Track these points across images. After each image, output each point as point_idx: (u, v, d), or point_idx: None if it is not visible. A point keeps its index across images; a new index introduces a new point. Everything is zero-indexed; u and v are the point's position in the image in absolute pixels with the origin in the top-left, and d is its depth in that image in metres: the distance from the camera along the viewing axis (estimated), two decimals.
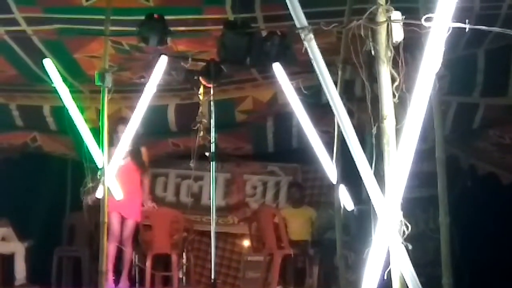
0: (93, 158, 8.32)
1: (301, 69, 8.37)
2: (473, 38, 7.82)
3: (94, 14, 7.80)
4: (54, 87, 8.61)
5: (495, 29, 6.36)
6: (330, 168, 7.95)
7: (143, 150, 9.10)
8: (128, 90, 9.80)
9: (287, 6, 5.52)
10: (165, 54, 8.23)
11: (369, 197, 5.42)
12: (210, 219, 7.82)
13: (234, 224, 12.16)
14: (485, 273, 9.52)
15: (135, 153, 9.10)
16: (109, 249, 8.69)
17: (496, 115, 9.96)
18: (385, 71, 5.20)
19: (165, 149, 11.82)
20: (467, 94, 9.56)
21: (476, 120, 10.02)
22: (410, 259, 5.15)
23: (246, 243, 11.65)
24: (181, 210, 11.25)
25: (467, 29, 5.07)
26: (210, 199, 8.08)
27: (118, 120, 9.28)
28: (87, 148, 8.41)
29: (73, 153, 10.73)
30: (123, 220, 9.10)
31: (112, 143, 8.27)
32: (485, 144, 10.50)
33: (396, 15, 5.25)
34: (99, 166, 7.74)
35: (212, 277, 7.63)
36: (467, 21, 5.06)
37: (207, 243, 11.19)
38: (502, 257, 9.70)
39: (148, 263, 10.06)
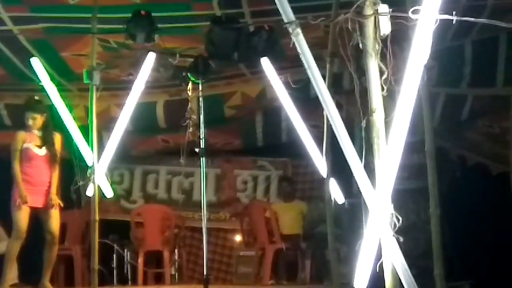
0: (82, 156, 8.31)
1: (289, 63, 8.37)
2: (460, 30, 7.83)
3: (81, 13, 7.78)
4: (42, 86, 8.60)
5: (482, 20, 6.36)
6: (320, 162, 7.96)
7: (56, 137, 8.57)
8: (116, 88, 9.79)
9: (274, 1, 5.53)
10: (153, 51, 8.22)
11: (359, 190, 5.43)
12: (201, 215, 7.81)
13: (225, 219, 12.16)
14: (476, 263, 9.54)
15: (48, 141, 8.54)
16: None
17: (485, 106, 9.99)
18: (373, 64, 5.21)
19: (155, 146, 11.81)
20: (455, 86, 9.58)
21: (464, 111, 10.04)
22: (402, 251, 5.17)
23: (238, 238, 11.66)
24: (172, 207, 11.26)
25: (454, 21, 5.08)
26: (201, 195, 8.06)
27: None
28: (76, 146, 8.39)
29: (62, 152, 10.68)
30: (43, 212, 8.59)
31: (101, 140, 8.24)
32: (474, 135, 10.53)
33: (383, 8, 5.26)
34: (89, 164, 7.73)
35: (205, 272, 7.62)
36: (454, 12, 5.07)
37: (199, 239, 11.17)
38: (493, 247, 9.74)
39: (140, 260, 10.07)
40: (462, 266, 9.24)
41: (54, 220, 8.44)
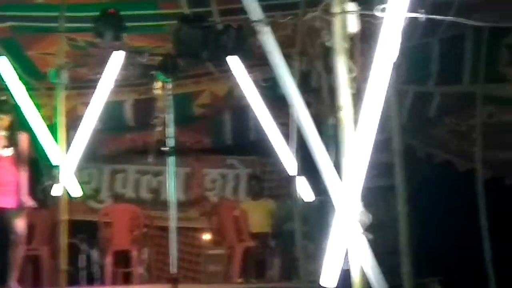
0: (49, 156, 8.26)
1: (257, 62, 8.37)
2: (427, 27, 7.86)
3: (48, 11, 7.74)
4: (6, 85, 8.54)
5: (449, 18, 6.42)
6: (288, 160, 7.99)
7: (23, 137, 8.40)
8: (84, 87, 9.73)
9: None
10: (121, 50, 8.18)
11: (328, 188, 5.44)
12: (170, 214, 7.78)
13: (194, 218, 12.14)
14: (444, 260, 9.61)
15: (14, 141, 8.38)
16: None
17: (452, 103, 10.06)
18: (341, 62, 5.21)
19: (123, 145, 11.77)
20: (422, 83, 9.64)
21: (432, 109, 10.10)
22: (370, 249, 5.18)
23: (207, 237, 11.64)
24: (141, 206, 11.22)
25: (421, 19, 5.11)
26: (170, 194, 8.03)
27: None
28: (43, 146, 8.34)
29: (30, 152, 10.60)
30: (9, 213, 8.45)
31: (69, 140, 8.17)
32: (441, 132, 10.60)
33: (351, 6, 5.27)
34: (56, 163, 7.68)
35: (174, 271, 7.60)
36: (421, 10, 5.10)
37: (167, 238, 11.11)
38: (460, 243, 9.80)
39: (109, 260, 10.03)
40: (430, 263, 9.29)
41: (20, 221, 8.37)
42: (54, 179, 7.72)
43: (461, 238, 9.81)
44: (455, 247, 9.82)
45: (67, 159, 7.76)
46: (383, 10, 4.99)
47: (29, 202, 8.30)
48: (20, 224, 8.35)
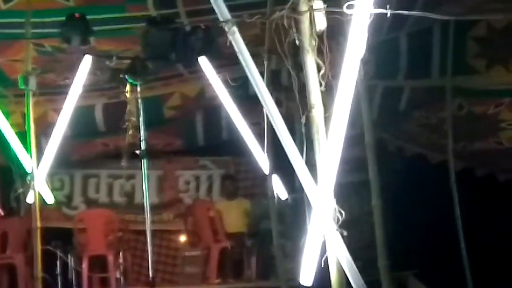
0: (21, 163, 8.20)
1: (227, 61, 8.37)
2: (394, 22, 7.90)
3: (13, 18, 7.67)
4: None
5: (416, 13, 6.45)
6: (262, 159, 7.99)
7: None
8: (53, 93, 9.67)
9: (209, 0, 5.51)
10: (89, 54, 8.14)
11: (302, 185, 5.45)
12: (144, 218, 7.77)
13: (169, 220, 12.12)
14: (418, 253, 9.67)
15: None
16: None
17: (421, 97, 10.12)
18: (310, 60, 5.22)
19: (94, 150, 11.71)
20: (392, 78, 9.69)
21: (402, 103, 10.16)
22: (346, 245, 5.19)
23: (183, 238, 11.62)
24: (115, 210, 11.18)
25: (388, 14, 5.13)
26: (143, 197, 8.02)
27: None
28: (14, 153, 8.28)
29: (0, 159, 10.54)
30: None
31: (39, 146, 8.12)
32: (411, 126, 10.66)
33: (318, 4, 5.27)
34: (28, 171, 7.63)
35: (151, 275, 7.60)
36: (387, 6, 5.12)
37: (143, 242, 11.07)
38: (435, 235, 9.87)
39: (84, 265, 9.98)
40: (405, 256, 9.35)
41: None
42: (27, 187, 7.67)
43: (435, 230, 9.88)
44: (430, 239, 9.89)
45: (39, 166, 7.71)
46: (350, 6, 5.00)
47: None
48: None
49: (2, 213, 9.02)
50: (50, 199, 8.72)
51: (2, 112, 8.51)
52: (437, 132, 10.32)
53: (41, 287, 7.23)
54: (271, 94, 5.84)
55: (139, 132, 7.81)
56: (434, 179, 10.02)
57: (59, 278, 10.50)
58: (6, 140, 8.39)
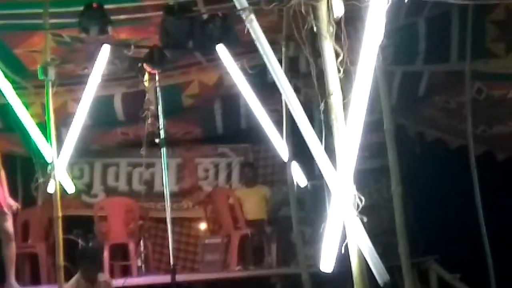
0: (42, 153, 8.25)
1: (245, 49, 8.36)
2: (412, 7, 7.87)
3: (31, 8, 7.69)
4: None
5: None
6: (280, 146, 8.00)
7: None
8: (72, 83, 9.71)
9: None
10: (107, 43, 8.16)
11: (321, 172, 5.46)
12: (164, 206, 7.79)
13: (188, 208, 12.14)
14: (439, 238, 9.65)
15: None
16: None
17: (440, 81, 10.07)
18: (328, 46, 5.22)
19: (114, 139, 11.76)
20: (410, 63, 9.65)
21: (421, 88, 10.12)
22: (366, 231, 5.20)
23: (203, 226, 11.65)
24: (135, 199, 11.21)
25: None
26: (163, 185, 8.04)
27: None
28: (35, 143, 8.33)
29: (21, 150, 10.60)
30: None
31: (59, 136, 8.18)
32: (431, 111, 10.62)
33: None
34: (48, 161, 7.68)
35: (171, 262, 7.63)
36: None
37: (163, 230, 11.15)
38: (455, 220, 9.84)
39: (106, 254, 10.03)
40: (426, 242, 9.34)
41: (6, 219, 8.51)
42: (48, 176, 7.73)
43: (456, 215, 9.85)
44: (451, 224, 9.86)
45: (59, 155, 7.75)
46: None
47: (12, 202, 8.45)
48: (7, 223, 8.48)
49: (19, 206, 9.10)
50: (70, 188, 8.78)
51: (22, 103, 8.56)
52: (457, 117, 10.26)
53: (63, 275, 7.28)
54: (289, 81, 5.86)
55: (158, 121, 7.82)
56: (454, 164, 9.98)
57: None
58: (27, 130, 8.44)
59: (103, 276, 7.64)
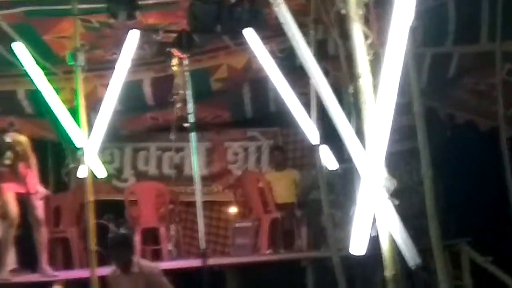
0: (72, 139, 8.31)
1: (273, 32, 8.36)
2: None
3: None
4: (26, 71, 8.58)
5: None
6: (310, 129, 7.99)
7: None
8: (101, 68, 9.74)
9: None
10: (136, 28, 8.18)
11: (351, 155, 5.44)
12: (194, 189, 7.83)
13: (218, 192, 12.17)
14: (471, 220, 9.59)
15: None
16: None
17: (470, 63, 9.99)
18: (357, 29, 5.19)
19: (144, 124, 11.80)
20: (440, 44, 9.58)
21: (451, 70, 10.05)
22: (397, 214, 5.19)
23: (233, 210, 11.67)
24: (165, 183, 11.27)
25: None
26: (192, 169, 8.06)
27: None
28: (65, 129, 8.39)
29: (52, 135, 10.68)
30: (26, 198, 8.75)
31: (89, 121, 8.24)
32: (461, 93, 10.54)
33: None
34: (79, 146, 7.72)
35: (202, 246, 7.66)
36: None
37: (194, 213, 11.16)
38: (487, 203, 9.78)
39: (137, 238, 10.09)
40: (457, 225, 9.29)
41: (36, 204, 8.60)
42: (78, 161, 7.78)
43: (487, 197, 9.79)
44: (482, 206, 9.80)
45: (90, 141, 7.80)
46: None
47: (41, 189, 8.55)
48: (36, 208, 8.58)
49: (49, 192, 9.19)
50: (101, 173, 8.83)
51: (52, 88, 8.62)
52: (487, 99, 10.18)
53: (94, 260, 7.34)
54: (318, 64, 5.83)
55: (187, 105, 7.84)
56: (484, 145, 9.91)
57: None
58: (57, 116, 8.50)
59: (140, 261, 7.57)
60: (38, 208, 8.69)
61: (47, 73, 9.04)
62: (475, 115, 10.78)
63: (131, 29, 8.14)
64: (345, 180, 8.79)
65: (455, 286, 7.86)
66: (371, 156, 5.15)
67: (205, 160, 12.19)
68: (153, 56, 9.08)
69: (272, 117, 11.60)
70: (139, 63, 9.67)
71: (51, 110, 8.54)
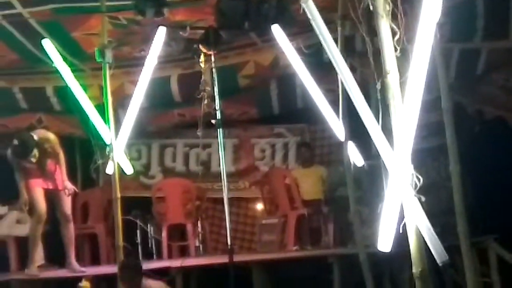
0: (100, 135, 8.36)
1: (300, 29, 8.34)
2: None
3: None
4: (55, 68, 8.63)
5: None
6: (337, 126, 7.97)
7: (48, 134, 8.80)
8: (129, 65, 9.78)
9: None
10: (163, 25, 8.20)
11: (378, 151, 5.43)
12: (221, 186, 7.83)
13: (245, 188, 12.19)
14: (499, 217, 9.53)
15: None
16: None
17: (499, 59, 9.92)
18: (384, 25, 5.17)
19: (171, 120, 11.83)
20: (468, 40, 9.52)
21: (479, 66, 9.98)
22: (424, 210, 5.16)
23: (259, 206, 11.68)
24: (192, 179, 11.29)
25: None
26: (219, 165, 8.07)
27: None
28: (93, 125, 8.44)
29: (80, 132, 10.75)
30: (54, 195, 8.82)
31: (117, 118, 8.28)
32: (490, 89, 10.47)
33: None
34: (107, 142, 7.77)
35: (229, 243, 7.67)
36: None
37: (220, 210, 11.24)
38: None
39: (164, 234, 10.15)
40: (485, 221, 9.23)
41: (64, 200, 8.67)
42: (106, 158, 7.83)
43: None
44: (510, 203, 9.73)
45: (117, 137, 7.84)
46: None
47: (69, 185, 8.61)
48: (64, 205, 8.65)
49: (77, 189, 9.24)
50: (129, 169, 8.88)
51: (80, 85, 8.67)
52: None
53: (122, 255, 7.38)
54: (345, 60, 5.82)
55: (214, 102, 7.85)
56: None
57: (139, 247, 10.72)
58: (85, 113, 8.55)
59: (146, 284, 7.47)
60: (66, 204, 8.75)
61: (75, 70, 9.10)
62: (504, 111, 10.71)
63: (159, 26, 8.16)
64: (372, 176, 8.77)
65: (482, 283, 7.80)
66: (398, 152, 5.13)
67: (232, 156, 12.21)
68: (180, 52, 9.08)
69: (299, 113, 11.59)
70: (166, 60, 9.69)
71: (79, 106, 8.59)
